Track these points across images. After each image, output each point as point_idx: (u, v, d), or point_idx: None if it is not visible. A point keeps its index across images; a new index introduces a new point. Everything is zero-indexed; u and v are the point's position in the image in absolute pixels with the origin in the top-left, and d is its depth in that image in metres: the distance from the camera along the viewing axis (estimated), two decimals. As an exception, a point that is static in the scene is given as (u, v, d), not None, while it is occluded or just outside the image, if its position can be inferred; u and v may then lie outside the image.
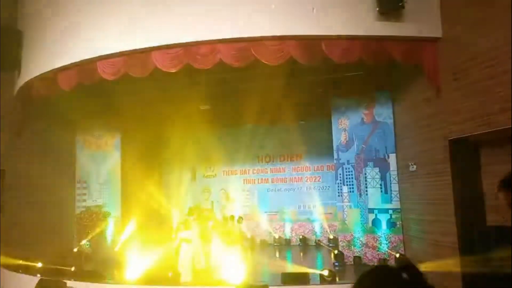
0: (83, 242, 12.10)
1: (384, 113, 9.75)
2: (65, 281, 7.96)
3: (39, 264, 9.34)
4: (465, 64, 6.55)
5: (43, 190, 10.87)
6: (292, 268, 9.57)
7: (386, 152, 9.63)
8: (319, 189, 13.48)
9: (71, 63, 8.23)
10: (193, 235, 9.08)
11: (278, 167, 14.22)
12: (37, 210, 10.50)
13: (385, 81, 9.66)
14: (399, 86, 9.19)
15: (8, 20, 9.61)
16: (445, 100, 7.08)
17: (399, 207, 9.36)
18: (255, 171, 14.44)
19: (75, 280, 8.15)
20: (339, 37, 7.11)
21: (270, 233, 13.76)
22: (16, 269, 9.20)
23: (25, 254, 9.57)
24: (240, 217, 10.76)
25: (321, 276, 7.64)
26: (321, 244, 12.72)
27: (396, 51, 7.24)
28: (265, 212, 14.00)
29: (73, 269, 8.91)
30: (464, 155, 6.88)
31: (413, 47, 7.25)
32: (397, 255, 8.91)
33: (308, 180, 13.75)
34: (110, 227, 12.56)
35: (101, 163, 12.74)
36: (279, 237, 13.59)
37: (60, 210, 11.60)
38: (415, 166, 8.37)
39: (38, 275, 8.39)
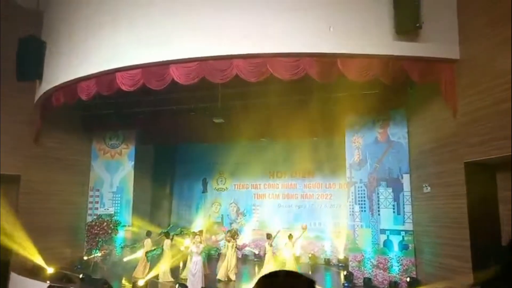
0: (93, 250, 12.14)
1: (398, 133, 9.65)
2: (73, 288, 8.00)
3: (50, 270, 9.40)
4: (483, 85, 6.49)
5: (56, 197, 11.05)
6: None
7: (400, 172, 9.49)
8: (330, 207, 13.32)
9: (91, 74, 8.43)
10: (201, 248, 9.04)
11: (289, 183, 14.13)
12: (50, 216, 10.66)
13: (401, 100, 9.59)
14: (415, 106, 9.11)
15: (32, 30, 9.92)
16: (461, 122, 6.99)
17: (412, 229, 9.17)
18: (266, 186, 14.38)
19: (83, 287, 8.17)
20: (355, 56, 7.13)
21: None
22: (26, 274, 9.28)
23: (35, 259, 9.67)
24: (269, 234, 10.47)
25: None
26: (331, 263, 12.50)
27: (413, 71, 7.23)
28: (275, 228, 13.84)
29: (81, 276, 8.95)
30: (480, 178, 6.75)
31: (430, 67, 7.23)
32: (408, 279, 8.69)
33: (320, 197, 13.61)
34: (120, 236, 12.61)
35: (115, 172, 12.88)
36: (288, 254, 13.37)
37: (72, 217, 11.73)
38: (429, 188, 8.22)
39: (48, 282, 8.44)
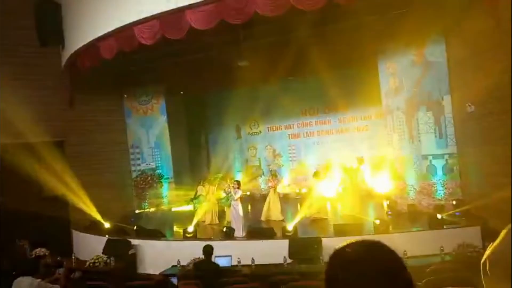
0: (142, 203, 12.85)
1: (436, 52, 8.97)
2: (129, 239, 8.55)
3: (107, 225, 10.07)
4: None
5: (99, 157, 11.53)
6: (344, 219, 9.56)
7: (440, 94, 8.96)
8: (367, 139, 13.02)
9: (110, 31, 8.31)
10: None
11: (323, 120, 13.89)
12: (98, 176, 11.19)
13: (436, 16, 8.79)
14: (452, 20, 8.34)
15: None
16: (506, 30, 6.34)
17: (455, 151, 8.83)
18: (300, 125, 14.23)
19: (138, 238, 8.73)
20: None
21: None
22: (86, 230, 10.01)
23: (92, 217, 10.35)
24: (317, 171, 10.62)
25: (375, 225, 7.56)
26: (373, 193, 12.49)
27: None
28: (313, 165, 13.89)
29: (135, 228, 9.53)
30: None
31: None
32: (454, 202, 8.54)
33: (356, 130, 13.32)
34: (165, 188, 13.20)
35: (150, 127, 13.18)
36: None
37: (118, 175, 12.28)
38: (473, 107, 7.76)
39: (106, 236, 9.06)
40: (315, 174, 10.09)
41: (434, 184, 9.07)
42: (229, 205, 9.23)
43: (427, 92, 9.13)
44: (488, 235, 6.65)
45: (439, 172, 9.05)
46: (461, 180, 8.81)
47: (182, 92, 14.40)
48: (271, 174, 10.77)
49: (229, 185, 9.56)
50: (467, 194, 8.58)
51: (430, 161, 9.15)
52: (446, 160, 8.97)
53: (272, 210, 10.04)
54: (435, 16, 8.68)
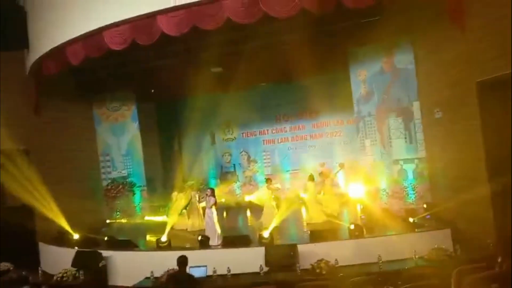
0: (114, 212, 12.48)
1: (405, 59, 9.24)
2: (100, 251, 8.25)
3: (76, 236, 9.69)
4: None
5: (69, 165, 11.10)
6: (319, 224, 9.60)
7: (410, 101, 9.22)
8: (340, 144, 13.23)
9: (78, 36, 8.06)
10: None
11: (297, 125, 14.01)
12: (66, 184, 10.75)
13: (405, 25, 9.05)
14: (420, 29, 8.61)
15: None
16: (470, 39, 6.59)
17: (425, 156, 9.09)
18: (274, 131, 14.29)
19: (109, 249, 8.44)
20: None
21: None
22: (53, 242, 9.59)
23: (60, 228, 9.94)
24: (269, 179, 10.68)
25: (349, 230, 7.63)
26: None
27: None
28: (287, 171, 13.96)
29: (106, 238, 9.21)
30: (494, 98, 6.47)
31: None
32: (425, 205, 8.76)
33: (329, 135, 13.51)
34: (137, 196, 12.88)
35: (121, 135, 12.85)
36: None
37: (88, 184, 11.87)
38: (440, 113, 8.01)
39: (76, 248, 8.71)
40: (310, 177, 10.15)
41: (405, 188, 9.29)
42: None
43: (397, 99, 9.37)
44: (458, 238, 6.85)
45: (410, 176, 9.29)
46: (430, 184, 9.06)
47: (153, 98, 14.14)
48: (269, 180, 10.53)
49: (196, 192, 9.49)
50: (436, 197, 8.83)
51: (401, 165, 9.37)
52: (416, 164, 9.21)
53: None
54: (403, 25, 8.94)
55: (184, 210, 10.72)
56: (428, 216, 8.18)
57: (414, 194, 9.21)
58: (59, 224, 9.87)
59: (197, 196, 10.62)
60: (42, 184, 9.93)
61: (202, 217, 10.26)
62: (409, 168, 9.29)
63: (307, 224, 9.58)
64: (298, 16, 7.01)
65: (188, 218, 10.61)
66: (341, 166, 11.51)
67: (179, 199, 10.84)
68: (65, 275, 7.41)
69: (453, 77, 7.29)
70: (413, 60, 9.12)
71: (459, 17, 6.64)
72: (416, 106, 9.15)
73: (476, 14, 6.39)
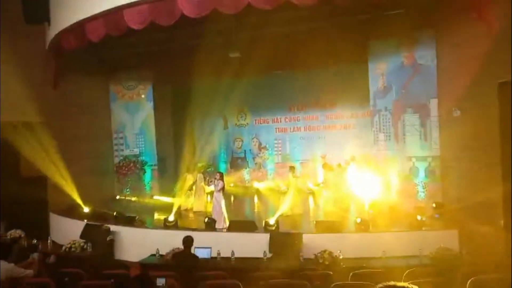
0: (124, 189, 12.68)
1: (426, 55, 9.03)
2: (108, 225, 8.41)
3: (86, 210, 9.90)
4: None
5: (82, 140, 11.26)
6: (326, 215, 9.61)
7: (428, 97, 9.05)
8: (353, 137, 13.08)
9: (98, 13, 8.06)
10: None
11: (310, 115, 13.90)
12: (79, 159, 10.94)
13: (428, 19, 8.82)
14: (444, 24, 8.39)
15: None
16: (497, 37, 6.40)
17: (439, 154, 8.95)
18: (288, 120, 14.22)
19: (117, 224, 8.60)
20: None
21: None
22: (63, 213, 9.81)
23: (71, 200, 10.16)
24: (292, 166, 10.77)
25: (356, 223, 7.61)
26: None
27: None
28: (298, 160, 13.92)
29: (115, 214, 9.39)
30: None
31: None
32: (434, 205, 8.66)
33: (343, 127, 13.38)
34: (147, 175, 13.04)
35: (135, 113, 12.96)
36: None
37: (100, 160, 12.05)
38: (458, 112, 7.85)
39: (85, 220, 8.90)
40: (325, 165, 10.17)
41: (416, 185, 9.19)
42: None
43: (415, 94, 9.20)
44: (465, 240, 6.78)
45: (422, 174, 9.17)
46: (442, 183, 8.94)
47: (169, 79, 14.17)
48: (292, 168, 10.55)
49: (201, 174, 9.58)
50: (446, 197, 8.72)
51: (414, 162, 9.26)
52: (429, 162, 9.09)
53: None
54: (427, 19, 8.73)
55: (189, 191, 10.87)
56: (437, 216, 8.10)
57: (424, 192, 9.11)
58: (70, 196, 10.10)
59: (202, 177, 10.77)
60: (57, 156, 10.13)
61: (206, 199, 10.45)
62: (422, 165, 9.17)
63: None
64: (320, 5, 6.90)
65: (193, 198, 10.84)
66: (353, 159, 11.44)
67: (188, 180, 11.00)
68: (73, 246, 7.61)
69: (475, 76, 7.10)
70: (435, 56, 8.91)
71: (486, 13, 6.44)
72: (433, 103, 8.97)
73: (502, 13, 6.19)
